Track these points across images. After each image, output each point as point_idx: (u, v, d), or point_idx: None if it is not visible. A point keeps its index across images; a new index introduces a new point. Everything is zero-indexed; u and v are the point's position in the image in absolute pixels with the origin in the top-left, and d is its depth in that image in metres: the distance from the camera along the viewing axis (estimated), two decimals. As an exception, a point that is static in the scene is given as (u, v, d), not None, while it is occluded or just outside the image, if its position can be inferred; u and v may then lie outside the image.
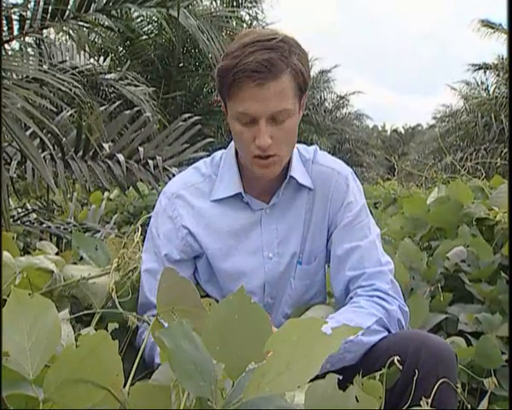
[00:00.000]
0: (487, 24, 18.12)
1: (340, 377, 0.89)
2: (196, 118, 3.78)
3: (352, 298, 1.55)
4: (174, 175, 2.29)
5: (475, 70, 19.01)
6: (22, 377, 0.77)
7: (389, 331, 1.48)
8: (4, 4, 3.19)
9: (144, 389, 0.84)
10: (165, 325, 0.97)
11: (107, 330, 1.46)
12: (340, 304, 1.59)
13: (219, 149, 1.72)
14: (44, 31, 3.59)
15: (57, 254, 1.70)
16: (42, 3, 3.26)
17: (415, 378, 1.28)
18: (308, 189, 1.63)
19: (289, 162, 1.60)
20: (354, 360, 1.43)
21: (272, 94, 1.42)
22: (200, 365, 0.80)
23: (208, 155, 1.73)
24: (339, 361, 1.39)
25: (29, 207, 3.83)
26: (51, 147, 3.05)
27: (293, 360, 0.75)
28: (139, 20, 12.26)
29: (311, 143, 1.87)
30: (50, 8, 3.28)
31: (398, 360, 1.22)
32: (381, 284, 1.53)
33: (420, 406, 1.16)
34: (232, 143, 1.62)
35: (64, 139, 3.20)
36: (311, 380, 0.84)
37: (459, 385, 1.35)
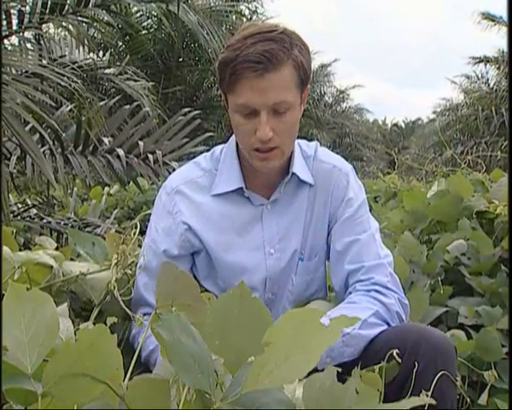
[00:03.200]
0: (488, 16, 18.08)
1: (340, 370, 0.89)
2: (196, 112, 3.78)
3: (350, 293, 1.55)
4: (174, 169, 2.28)
5: (475, 63, 18.97)
6: (21, 372, 0.77)
7: (388, 325, 1.48)
8: (3, -1, 3.18)
9: (143, 383, 0.84)
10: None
11: (106, 325, 1.46)
12: (341, 298, 1.58)
13: (219, 143, 1.70)
14: (43, 26, 3.59)
15: (57, 249, 1.70)
16: (40, -2, 3.26)
17: (414, 371, 1.28)
18: (309, 185, 1.63)
19: (291, 158, 1.59)
20: (354, 354, 1.41)
21: (273, 85, 1.41)
22: (198, 357, 0.80)
23: (208, 150, 1.72)
24: (339, 356, 1.38)
25: (29, 203, 3.82)
26: (51, 142, 3.04)
27: (291, 353, 0.74)
28: (138, 14, 12.20)
29: (311, 138, 1.87)
30: (49, 2, 3.28)
31: (397, 353, 1.22)
32: (379, 277, 1.53)
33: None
34: (233, 137, 1.61)
35: (64, 134, 3.19)
36: (312, 374, 0.84)
37: (459, 378, 1.35)
